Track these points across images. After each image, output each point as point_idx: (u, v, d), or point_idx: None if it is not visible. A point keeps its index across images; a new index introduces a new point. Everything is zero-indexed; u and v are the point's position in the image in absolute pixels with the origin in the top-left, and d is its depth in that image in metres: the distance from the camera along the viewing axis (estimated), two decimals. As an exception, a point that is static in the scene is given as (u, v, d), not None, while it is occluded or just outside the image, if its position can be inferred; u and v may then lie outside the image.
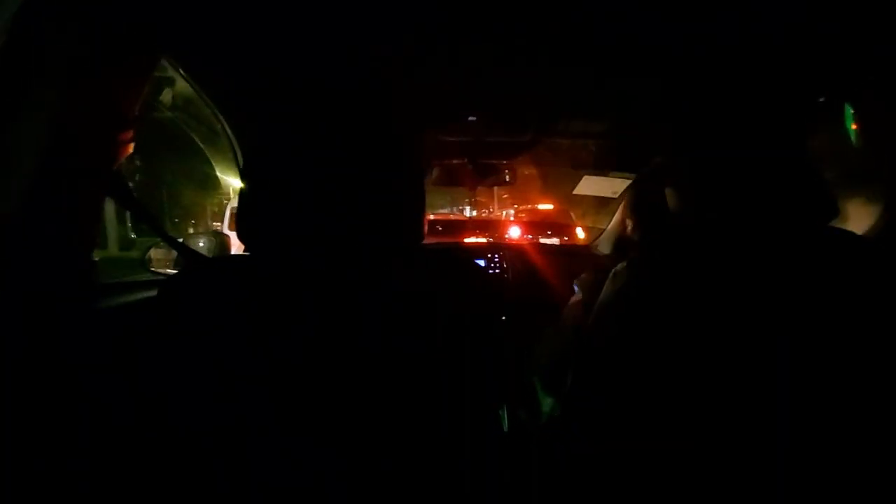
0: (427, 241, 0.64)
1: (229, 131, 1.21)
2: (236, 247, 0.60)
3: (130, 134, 0.64)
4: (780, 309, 0.55)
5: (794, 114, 0.65)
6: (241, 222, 0.57)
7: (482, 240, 3.00)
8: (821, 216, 0.62)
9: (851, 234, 0.62)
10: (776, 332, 0.54)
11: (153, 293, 0.63)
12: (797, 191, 0.61)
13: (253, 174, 0.58)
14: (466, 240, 2.90)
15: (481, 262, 1.90)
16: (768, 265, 0.58)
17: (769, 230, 0.60)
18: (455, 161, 1.98)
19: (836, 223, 0.64)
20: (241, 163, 1.23)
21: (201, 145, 2.32)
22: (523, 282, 1.85)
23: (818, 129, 1.09)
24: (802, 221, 0.61)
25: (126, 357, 0.61)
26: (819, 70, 1.02)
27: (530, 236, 3.82)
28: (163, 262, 1.36)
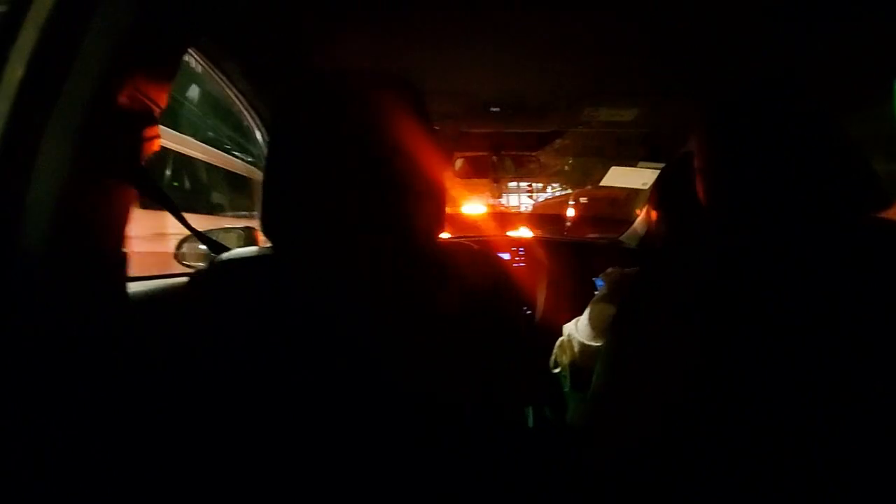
0: None
1: (257, 125, 1.22)
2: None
3: (157, 130, 0.65)
4: (829, 310, 0.51)
5: (838, 94, 0.60)
6: (265, 216, 0.58)
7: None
8: (869, 206, 0.57)
9: None
10: (827, 337, 0.50)
11: (182, 286, 0.64)
12: (842, 178, 0.56)
13: (276, 168, 0.58)
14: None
15: (505, 256, 1.89)
16: (813, 262, 0.53)
17: (812, 221, 0.56)
18: (479, 153, 1.96)
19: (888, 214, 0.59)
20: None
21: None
22: (548, 276, 1.82)
23: (865, 111, 1.03)
24: (849, 212, 0.56)
25: (155, 349, 0.63)
26: (865, 50, 0.96)
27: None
28: (194, 256, 1.39)
